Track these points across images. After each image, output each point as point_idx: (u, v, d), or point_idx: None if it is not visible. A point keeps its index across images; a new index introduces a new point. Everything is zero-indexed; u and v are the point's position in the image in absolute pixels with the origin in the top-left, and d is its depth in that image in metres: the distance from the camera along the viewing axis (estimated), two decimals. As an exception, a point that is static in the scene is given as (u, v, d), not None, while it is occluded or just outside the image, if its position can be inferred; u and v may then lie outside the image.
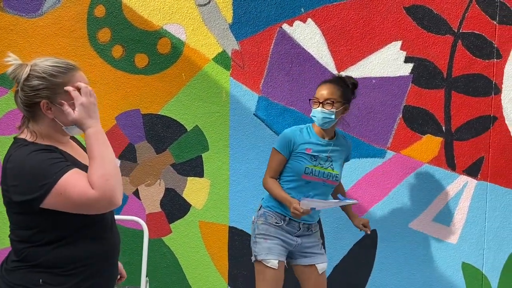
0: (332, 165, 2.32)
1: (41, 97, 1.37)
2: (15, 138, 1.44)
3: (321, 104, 2.24)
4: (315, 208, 2.24)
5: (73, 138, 1.60)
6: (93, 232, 1.45)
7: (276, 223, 2.31)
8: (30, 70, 1.38)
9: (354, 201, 2.31)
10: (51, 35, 2.58)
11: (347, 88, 2.29)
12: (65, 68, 1.41)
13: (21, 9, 2.55)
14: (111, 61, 2.65)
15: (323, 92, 2.26)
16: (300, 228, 2.32)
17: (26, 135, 1.41)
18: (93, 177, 1.30)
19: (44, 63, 1.40)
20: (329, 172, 2.31)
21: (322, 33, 2.75)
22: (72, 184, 1.30)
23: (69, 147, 1.49)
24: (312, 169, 2.29)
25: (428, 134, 2.86)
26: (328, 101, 2.23)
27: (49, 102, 1.38)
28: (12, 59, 1.40)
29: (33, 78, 1.38)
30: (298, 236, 2.33)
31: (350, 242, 2.88)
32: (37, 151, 1.35)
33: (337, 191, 2.49)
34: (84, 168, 1.40)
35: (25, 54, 2.55)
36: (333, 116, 2.24)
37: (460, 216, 2.91)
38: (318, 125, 2.29)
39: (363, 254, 2.89)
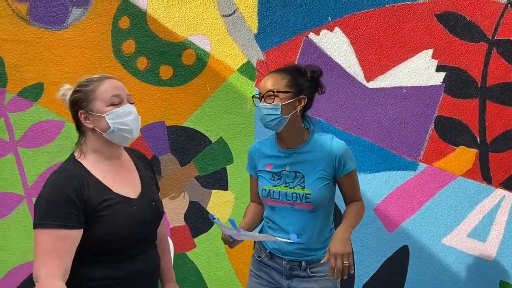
0: (303, 182, 1.73)
1: (80, 108, 1.46)
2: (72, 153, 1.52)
3: (263, 99, 1.71)
4: (232, 237, 1.64)
5: (132, 151, 1.64)
6: (109, 258, 1.43)
7: (258, 257, 1.87)
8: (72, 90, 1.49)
9: (291, 241, 1.57)
10: (76, 47, 2.56)
11: (299, 76, 1.74)
12: (96, 78, 1.48)
13: (47, 21, 2.55)
14: (136, 73, 2.62)
15: (265, 83, 1.72)
16: (283, 266, 1.79)
17: (76, 152, 1.49)
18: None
19: (80, 79, 1.51)
20: (296, 193, 1.72)
21: (350, 41, 2.67)
22: (42, 247, 1.33)
23: (117, 165, 1.51)
24: (269, 190, 1.77)
25: (462, 146, 2.74)
26: (270, 93, 1.68)
27: (85, 112, 1.45)
28: (66, 88, 1.55)
29: (72, 95, 1.50)
30: (288, 278, 1.80)
31: (381, 258, 2.76)
32: (56, 184, 1.38)
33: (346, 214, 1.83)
34: (116, 199, 1.42)
35: (50, 66, 2.55)
36: (278, 112, 1.67)
37: (497, 231, 2.77)
38: (264, 126, 1.75)
39: (394, 271, 2.77)
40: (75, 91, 1.49)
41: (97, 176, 1.45)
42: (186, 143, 2.66)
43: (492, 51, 2.70)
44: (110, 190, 1.45)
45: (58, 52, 2.56)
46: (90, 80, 1.48)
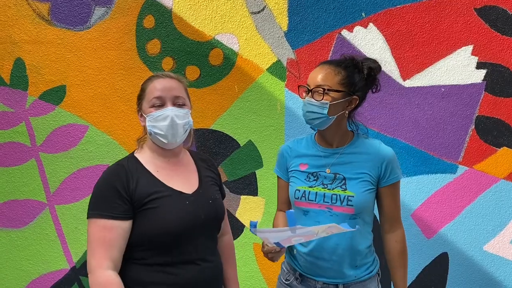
0: (344, 184, 1.56)
1: (138, 105, 1.50)
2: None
3: (310, 93, 1.54)
4: (280, 244, 1.40)
5: (196, 153, 1.63)
6: (160, 259, 1.38)
7: (286, 280, 1.68)
8: None
9: (338, 226, 1.32)
10: (99, 47, 2.46)
11: (356, 73, 1.56)
12: (153, 76, 1.49)
13: (69, 22, 2.45)
14: (161, 74, 2.51)
15: (315, 75, 1.54)
16: None
17: (137, 147, 1.53)
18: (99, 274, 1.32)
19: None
20: (336, 194, 1.55)
21: (385, 38, 2.54)
22: (90, 238, 1.35)
23: (174, 162, 1.49)
24: (304, 191, 1.58)
25: (504, 147, 2.59)
26: (320, 89, 1.52)
27: (139, 110, 1.48)
28: None
29: None
30: None
31: (419, 266, 2.62)
32: (106, 176, 1.41)
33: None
34: (167, 192, 1.39)
35: (73, 68, 2.45)
36: (324, 111, 1.51)
37: (542, 237, 2.62)
38: (306, 122, 1.59)
39: (433, 279, 2.62)
40: (141, 86, 1.51)
41: (150, 171, 1.44)
42: (214, 146, 2.55)
43: (536, 47, 2.56)
44: (163, 183, 1.42)
45: (81, 53, 2.46)
46: (150, 77, 1.50)
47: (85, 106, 2.47)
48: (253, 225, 1.34)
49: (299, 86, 1.62)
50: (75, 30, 2.46)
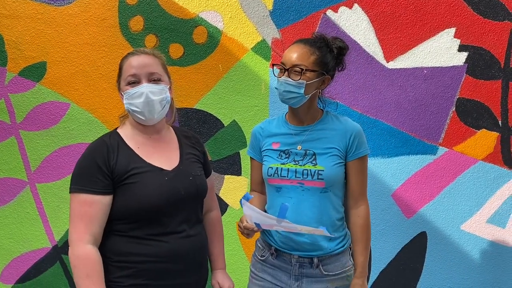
0: (314, 159, 1.61)
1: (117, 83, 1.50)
2: None
3: (286, 72, 1.57)
4: (260, 226, 1.47)
5: (180, 130, 1.64)
6: (136, 234, 1.39)
7: (261, 256, 1.71)
8: None
9: (320, 230, 1.41)
10: (81, 23, 2.41)
11: (328, 53, 1.60)
12: (129, 53, 1.49)
13: (49, -4, 2.39)
14: (144, 52, 2.47)
15: (292, 55, 1.57)
16: (292, 264, 1.64)
17: (119, 123, 1.54)
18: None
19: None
20: (307, 169, 1.59)
21: (370, 19, 2.54)
22: (72, 212, 1.37)
23: (155, 139, 1.49)
24: (276, 168, 1.62)
25: (483, 129, 2.64)
26: (297, 69, 1.55)
27: (119, 87, 1.49)
28: None
29: None
30: (297, 278, 1.63)
31: (398, 245, 2.68)
32: (87, 152, 1.42)
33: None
34: (146, 167, 1.41)
35: (53, 44, 2.40)
36: (301, 90, 1.55)
37: (516, 217, 2.70)
38: (281, 100, 1.62)
39: (411, 258, 2.69)
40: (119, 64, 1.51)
41: (131, 147, 1.45)
42: (198, 126, 2.54)
43: (517, 30, 2.59)
44: (142, 159, 1.43)
45: (62, 29, 2.41)
46: (126, 54, 1.50)
47: (66, 83, 2.43)
48: (247, 198, 1.41)
49: (273, 65, 1.63)
50: (55, 5, 2.40)
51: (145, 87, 1.42)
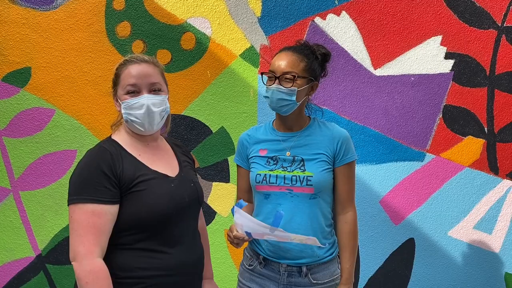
0: (302, 165, 1.60)
1: (113, 90, 1.43)
2: None
3: (277, 80, 1.57)
4: (250, 235, 1.47)
5: (169, 139, 1.59)
6: (142, 246, 1.34)
7: (249, 265, 1.69)
8: None
9: (313, 238, 1.43)
10: (67, 29, 2.38)
11: (314, 60, 1.62)
12: (126, 60, 1.41)
13: (33, 1, 2.35)
14: (131, 58, 2.45)
15: (281, 62, 1.57)
16: (280, 273, 1.62)
17: (112, 131, 1.47)
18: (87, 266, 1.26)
19: (126, 57, 1.45)
20: (296, 175, 1.58)
21: (357, 27, 2.56)
22: (76, 224, 1.28)
23: (153, 146, 1.46)
24: (265, 174, 1.61)
25: (470, 136, 2.67)
26: (288, 76, 1.56)
27: (114, 95, 1.43)
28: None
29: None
30: (286, 287, 1.62)
31: (386, 251, 2.68)
32: (89, 159, 1.34)
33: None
34: (153, 175, 1.37)
35: (39, 49, 2.36)
36: (293, 98, 1.56)
37: (502, 223, 2.72)
38: (272, 108, 1.62)
39: (399, 264, 2.69)
40: (115, 70, 1.44)
41: (133, 154, 1.40)
42: (186, 132, 2.52)
43: (501, 38, 2.63)
44: (147, 167, 1.39)
45: (47, 34, 2.37)
46: (124, 61, 1.43)
47: (52, 89, 2.39)
48: (240, 205, 1.40)
49: (262, 73, 1.64)
50: (40, 10, 2.36)
51: (146, 99, 1.37)
